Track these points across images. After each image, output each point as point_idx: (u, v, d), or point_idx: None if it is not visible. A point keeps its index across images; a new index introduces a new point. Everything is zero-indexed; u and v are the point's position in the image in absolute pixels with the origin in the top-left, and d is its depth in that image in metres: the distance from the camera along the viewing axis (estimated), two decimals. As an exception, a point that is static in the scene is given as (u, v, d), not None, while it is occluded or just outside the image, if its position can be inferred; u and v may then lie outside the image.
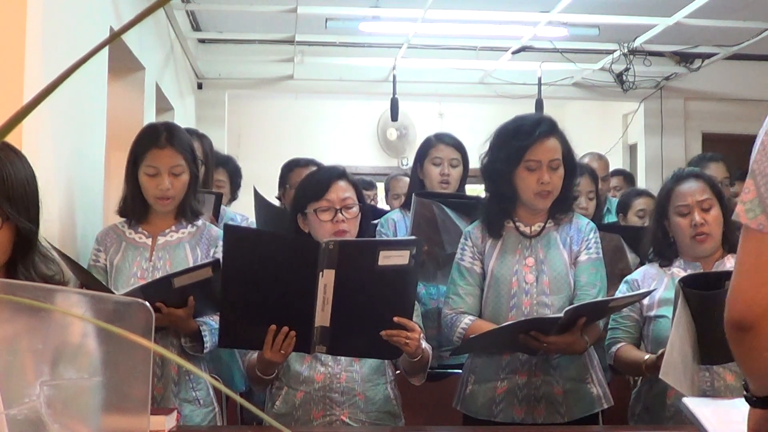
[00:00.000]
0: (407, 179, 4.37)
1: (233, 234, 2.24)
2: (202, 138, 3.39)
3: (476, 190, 3.89)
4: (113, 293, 2.33)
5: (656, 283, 2.59)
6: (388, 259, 2.15)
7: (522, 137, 2.50)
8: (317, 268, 2.12)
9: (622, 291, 2.65)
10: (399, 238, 3.20)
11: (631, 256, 3.25)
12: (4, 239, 1.65)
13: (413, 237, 2.87)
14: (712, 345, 2.28)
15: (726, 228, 2.56)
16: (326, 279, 2.13)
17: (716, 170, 4.02)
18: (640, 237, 3.30)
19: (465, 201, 3.18)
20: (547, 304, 2.51)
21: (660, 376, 2.21)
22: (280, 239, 2.36)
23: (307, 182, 2.52)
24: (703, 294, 2.27)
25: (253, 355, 2.34)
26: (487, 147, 2.61)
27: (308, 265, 2.13)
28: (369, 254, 2.16)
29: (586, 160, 4.61)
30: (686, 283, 2.29)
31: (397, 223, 3.40)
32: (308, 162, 3.79)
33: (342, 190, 2.40)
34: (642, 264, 3.10)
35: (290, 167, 3.87)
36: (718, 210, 2.55)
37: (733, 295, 1.37)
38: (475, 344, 2.51)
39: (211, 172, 3.37)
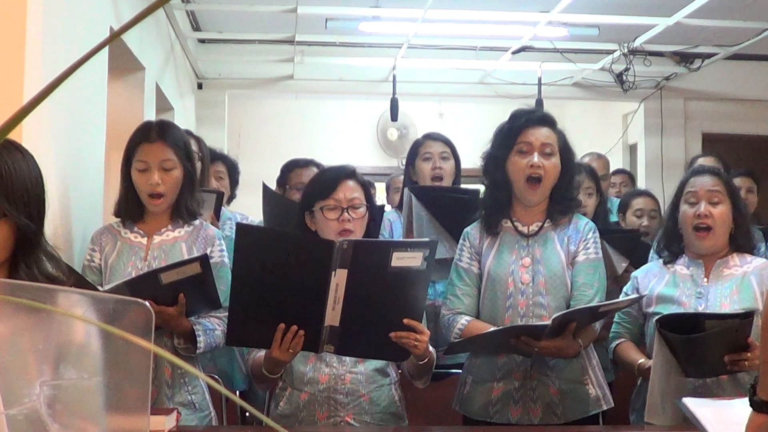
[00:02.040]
0: None
1: (245, 232, 2.22)
2: (198, 140, 3.39)
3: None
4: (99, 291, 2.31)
5: (656, 280, 2.63)
6: (401, 260, 2.15)
7: (513, 121, 2.56)
8: (330, 267, 2.11)
9: (627, 288, 2.71)
10: (413, 239, 3.19)
11: (618, 258, 3.29)
12: (3, 236, 1.65)
13: (427, 239, 2.86)
14: (697, 369, 2.37)
15: (735, 228, 2.58)
16: (338, 278, 2.13)
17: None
18: (627, 239, 3.38)
19: (461, 195, 3.18)
20: (543, 304, 2.50)
21: (645, 420, 2.33)
22: (294, 238, 2.34)
23: (316, 180, 2.52)
24: (685, 338, 2.32)
25: (258, 353, 2.33)
26: (488, 147, 2.63)
27: (321, 265, 2.12)
28: (382, 255, 2.15)
29: (586, 160, 4.64)
30: (663, 324, 2.33)
31: (393, 223, 3.41)
32: (308, 162, 3.79)
33: (350, 190, 2.39)
34: (632, 265, 3.22)
35: (289, 167, 3.87)
36: (728, 208, 2.55)
37: None
38: (466, 346, 2.52)
39: (206, 173, 3.37)
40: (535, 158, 2.49)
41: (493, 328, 2.42)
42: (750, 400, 1.51)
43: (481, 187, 2.73)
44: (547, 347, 2.36)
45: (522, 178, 2.51)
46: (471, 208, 2.77)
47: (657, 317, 2.39)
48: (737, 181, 4.23)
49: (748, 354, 2.28)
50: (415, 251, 2.17)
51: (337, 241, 2.14)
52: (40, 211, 1.70)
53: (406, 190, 3.21)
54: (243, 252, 2.13)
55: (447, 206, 3.14)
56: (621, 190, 5.08)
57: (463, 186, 3.46)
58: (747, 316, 2.31)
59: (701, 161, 3.99)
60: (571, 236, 2.57)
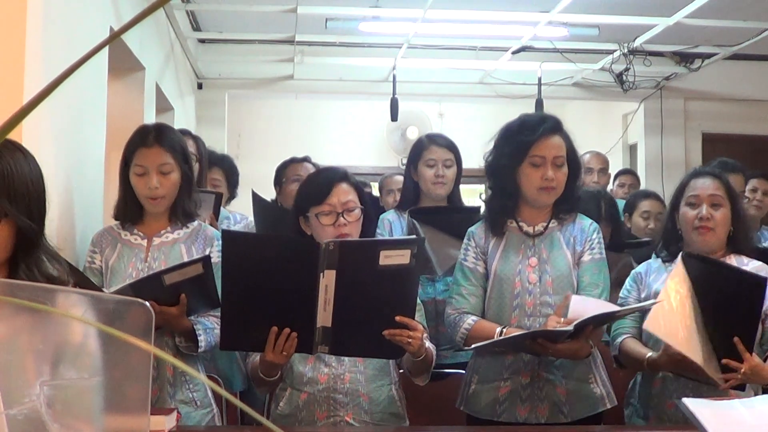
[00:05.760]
0: (400, 177, 4.39)
1: (231, 239, 2.24)
2: (196, 139, 3.40)
3: (475, 189, 3.88)
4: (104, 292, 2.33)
5: (655, 276, 2.67)
6: (389, 258, 2.15)
7: (527, 133, 2.52)
8: (318, 268, 2.12)
9: (627, 286, 2.73)
10: (400, 237, 3.20)
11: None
12: (4, 236, 1.65)
13: (414, 236, 2.86)
14: (714, 313, 2.40)
15: (735, 230, 2.60)
16: (327, 279, 2.13)
17: (734, 181, 4.03)
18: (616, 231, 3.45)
19: (462, 214, 3.21)
20: (550, 303, 2.51)
21: (644, 327, 2.42)
22: (280, 241, 2.35)
23: (309, 185, 2.50)
24: (706, 266, 2.41)
25: (256, 357, 2.33)
26: (491, 146, 2.62)
27: (309, 266, 2.12)
28: (370, 254, 2.15)
29: (586, 158, 4.68)
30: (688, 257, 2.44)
31: (392, 224, 3.40)
32: (303, 159, 3.83)
33: (344, 194, 2.39)
34: (622, 257, 3.36)
35: (285, 165, 3.91)
36: (728, 211, 2.59)
37: None
38: (482, 350, 2.51)
39: (205, 173, 3.38)
40: (550, 172, 2.50)
41: (516, 333, 2.41)
42: None
43: (481, 189, 2.73)
44: (562, 350, 2.38)
45: (534, 187, 2.52)
46: (471, 224, 2.77)
47: (685, 251, 2.46)
48: (754, 183, 4.25)
49: (739, 375, 2.29)
50: (403, 249, 2.18)
51: (323, 242, 2.14)
52: (41, 211, 1.69)
53: (408, 216, 3.20)
54: (231, 258, 2.14)
55: (449, 224, 3.15)
56: (629, 191, 5.07)
57: (464, 204, 3.46)
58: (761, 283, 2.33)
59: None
60: (576, 236, 2.58)
